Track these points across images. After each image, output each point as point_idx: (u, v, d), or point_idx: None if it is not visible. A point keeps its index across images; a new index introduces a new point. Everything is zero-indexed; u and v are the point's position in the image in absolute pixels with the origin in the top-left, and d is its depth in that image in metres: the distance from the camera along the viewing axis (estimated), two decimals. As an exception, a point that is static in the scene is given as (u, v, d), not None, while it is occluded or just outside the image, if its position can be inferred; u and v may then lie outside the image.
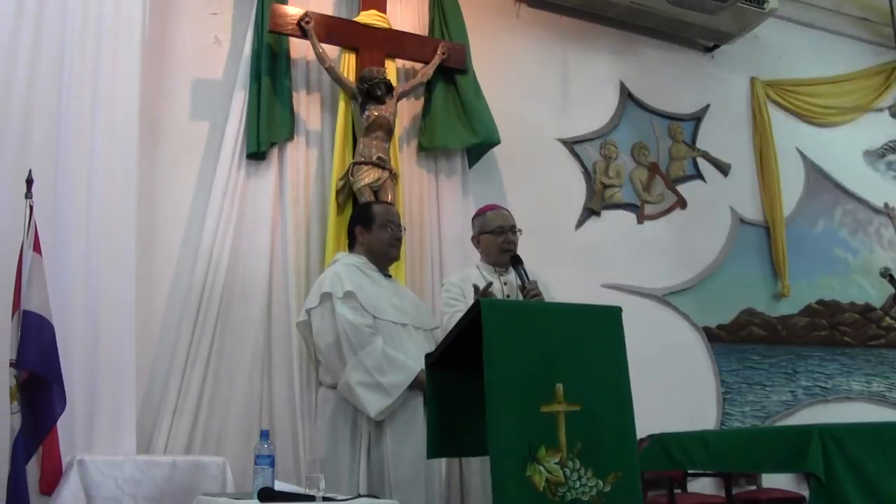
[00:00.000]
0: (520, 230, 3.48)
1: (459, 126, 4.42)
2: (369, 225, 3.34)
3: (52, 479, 2.94)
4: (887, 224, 6.25)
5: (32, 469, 2.92)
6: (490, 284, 3.14)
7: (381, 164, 4.05)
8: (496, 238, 3.44)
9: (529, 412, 2.15)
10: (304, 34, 4.10)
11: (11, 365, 2.88)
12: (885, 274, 4.18)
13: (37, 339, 2.92)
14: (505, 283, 3.40)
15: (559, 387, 2.20)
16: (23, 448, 2.81)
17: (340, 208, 4.05)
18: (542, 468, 2.12)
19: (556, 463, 2.14)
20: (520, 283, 3.22)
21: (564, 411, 2.19)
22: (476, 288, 3.12)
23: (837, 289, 5.90)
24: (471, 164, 4.57)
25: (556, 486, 2.13)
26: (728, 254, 5.53)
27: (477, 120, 4.43)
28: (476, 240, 3.55)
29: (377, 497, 2.73)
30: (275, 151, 4.06)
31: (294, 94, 4.16)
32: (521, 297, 3.24)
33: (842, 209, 6.10)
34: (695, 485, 4.70)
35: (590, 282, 4.83)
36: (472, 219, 3.64)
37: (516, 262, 3.29)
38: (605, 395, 2.27)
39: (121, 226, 3.52)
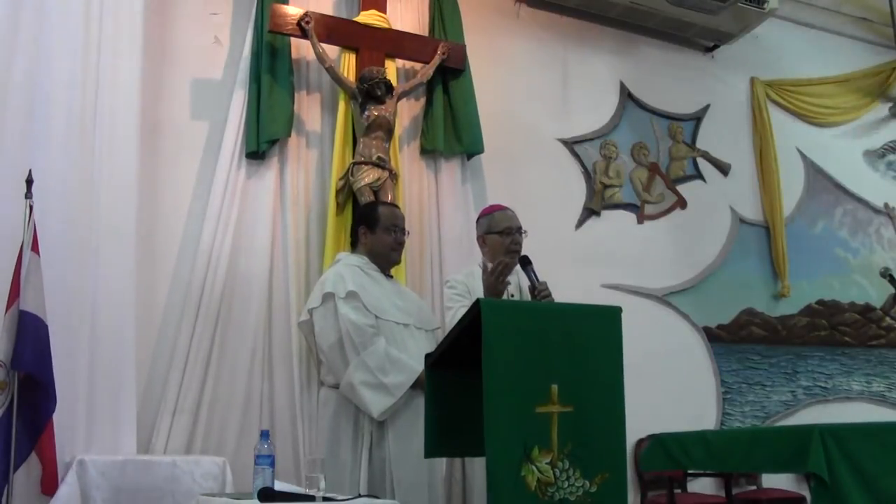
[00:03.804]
0: (525, 232, 3.49)
1: (449, 132, 4.44)
2: (374, 227, 3.32)
3: (48, 479, 2.94)
4: (887, 224, 6.24)
5: (33, 469, 2.92)
6: (508, 264, 3.10)
7: (381, 164, 4.04)
8: (503, 239, 3.43)
9: (525, 412, 2.15)
10: (304, 34, 4.10)
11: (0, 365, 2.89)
12: (885, 274, 4.18)
13: (33, 341, 2.93)
14: (508, 284, 3.39)
15: (554, 387, 2.20)
16: (4, 445, 2.82)
17: (340, 208, 4.05)
18: (535, 468, 2.13)
19: (547, 463, 2.15)
20: (530, 284, 3.22)
21: (557, 412, 2.19)
22: (486, 266, 3.11)
23: (837, 289, 5.90)
24: (469, 156, 4.56)
25: (546, 486, 2.14)
26: (728, 254, 5.53)
27: (463, 128, 4.44)
28: (482, 239, 3.53)
29: (378, 497, 2.73)
30: (275, 151, 4.06)
31: (294, 94, 4.15)
32: (529, 298, 3.24)
33: (842, 209, 6.10)
34: (695, 485, 4.70)
35: (590, 282, 4.83)
36: (478, 218, 3.63)
37: (525, 263, 3.29)
38: (599, 396, 2.27)
39: (121, 225, 3.53)
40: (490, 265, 3.28)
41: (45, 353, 2.96)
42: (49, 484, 2.93)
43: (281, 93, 4.06)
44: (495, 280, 2.99)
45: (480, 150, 4.53)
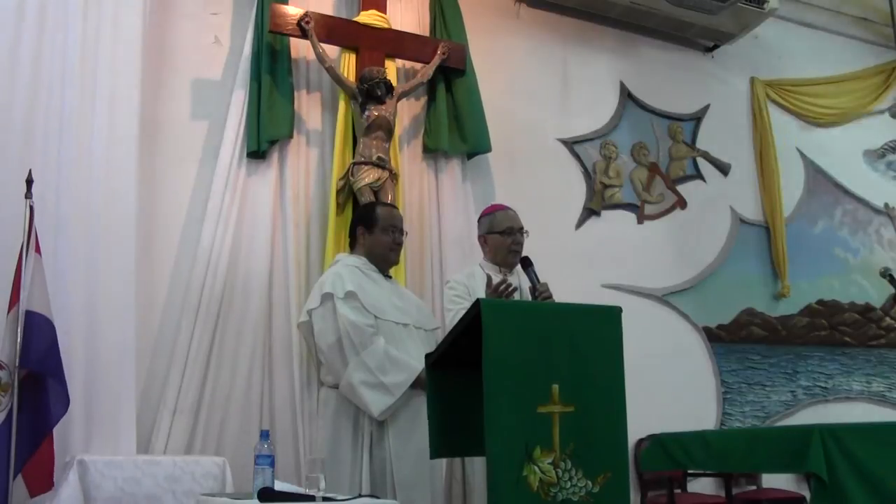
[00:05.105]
0: (527, 232, 3.49)
1: (454, 131, 4.44)
2: (371, 227, 3.33)
3: (47, 480, 2.93)
4: (887, 224, 6.24)
5: (33, 470, 2.92)
6: (515, 289, 3.12)
7: (381, 164, 4.04)
8: (505, 239, 3.44)
9: (527, 412, 2.16)
10: (304, 34, 4.10)
11: (1, 367, 2.88)
12: (885, 274, 4.17)
13: (39, 339, 2.94)
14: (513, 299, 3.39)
15: (555, 387, 2.21)
16: (6, 445, 2.82)
17: (340, 208, 4.05)
18: (537, 468, 2.13)
19: (549, 463, 2.15)
20: (530, 285, 3.23)
21: (559, 412, 2.19)
22: (490, 279, 3.11)
23: (837, 289, 5.89)
24: (469, 156, 4.56)
25: (548, 487, 2.14)
26: (728, 254, 5.53)
27: (468, 127, 4.44)
28: (483, 239, 3.54)
29: (378, 497, 2.73)
30: (275, 151, 4.06)
31: (294, 94, 4.15)
32: (530, 299, 3.24)
33: (842, 209, 6.10)
34: (695, 485, 4.70)
35: (590, 282, 4.83)
36: (480, 218, 3.64)
37: (527, 263, 3.29)
38: (600, 396, 2.28)
39: (121, 225, 3.53)
40: (490, 273, 3.28)
41: (54, 352, 2.98)
42: (48, 485, 2.93)
43: (281, 93, 4.06)
44: (497, 298, 3.00)
45: (487, 149, 4.52)
